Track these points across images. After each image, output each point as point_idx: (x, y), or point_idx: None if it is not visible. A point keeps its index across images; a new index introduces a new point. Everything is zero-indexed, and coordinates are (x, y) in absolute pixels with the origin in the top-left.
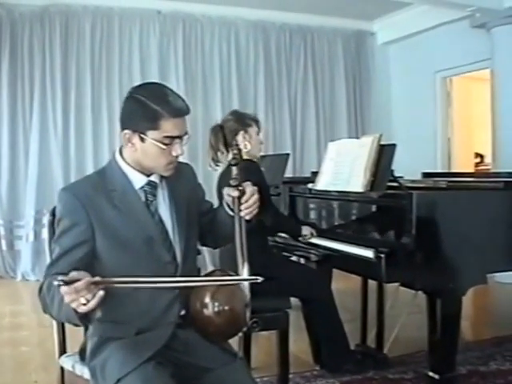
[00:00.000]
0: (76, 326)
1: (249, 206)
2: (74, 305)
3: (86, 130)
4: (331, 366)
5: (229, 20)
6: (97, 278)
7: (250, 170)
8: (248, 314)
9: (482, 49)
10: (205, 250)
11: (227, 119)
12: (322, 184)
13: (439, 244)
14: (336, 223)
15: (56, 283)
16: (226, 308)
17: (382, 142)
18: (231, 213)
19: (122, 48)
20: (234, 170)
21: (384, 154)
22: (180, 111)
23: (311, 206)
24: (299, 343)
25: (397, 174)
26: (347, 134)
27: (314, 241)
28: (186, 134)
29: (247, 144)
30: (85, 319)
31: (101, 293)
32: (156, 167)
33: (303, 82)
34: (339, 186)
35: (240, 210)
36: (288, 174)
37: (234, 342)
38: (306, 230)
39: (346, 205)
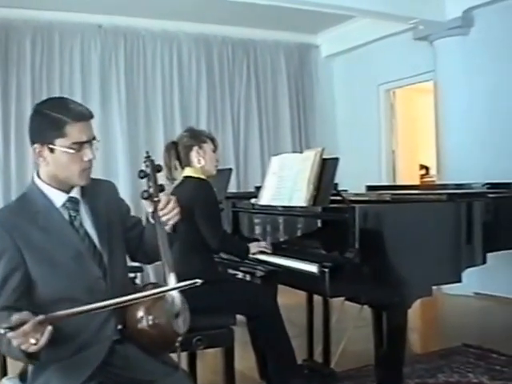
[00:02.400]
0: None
1: (166, 214)
2: (23, 347)
3: (27, 147)
4: (278, 382)
5: (171, 34)
6: (41, 317)
7: (199, 188)
8: (180, 324)
9: (425, 61)
10: (149, 266)
11: (182, 136)
12: (265, 199)
13: (383, 258)
14: (281, 238)
15: (2, 331)
16: (157, 321)
17: (325, 156)
18: (152, 222)
19: (63, 63)
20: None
21: (327, 167)
22: (82, 115)
23: (255, 221)
24: (245, 360)
25: (341, 187)
26: (291, 148)
27: (260, 257)
28: (94, 138)
29: (201, 159)
30: (33, 357)
31: (49, 328)
32: (70, 176)
33: (246, 96)
34: (282, 201)
35: (160, 220)
36: (231, 189)
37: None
38: (253, 248)
39: (289, 220)
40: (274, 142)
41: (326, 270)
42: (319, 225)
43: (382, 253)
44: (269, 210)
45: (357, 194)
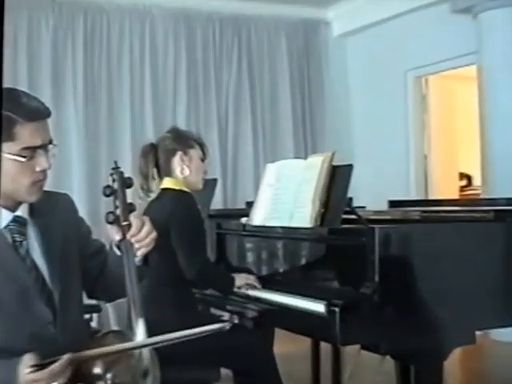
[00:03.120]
0: None
1: (137, 242)
2: None
3: None
4: None
5: (142, 8)
6: (71, 356)
7: (178, 201)
8: None
9: (467, 40)
10: (108, 305)
11: (164, 137)
12: (258, 218)
13: (411, 293)
14: (279, 268)
15: (27, 371)
16: (119, 381)
17: (336, 163)
18: (119, 252)
19: (6, 44)
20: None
21: (338, 177)
22: (37, 113)
23: (246, 246)
24: None
25: (357, 203)
26: (293, 153)
27: (251, 293)
28: (50, 142)
29: (185, 169)
30: None
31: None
32: (18, 190)
33: (236, 85)
34: (281, 221)
35: (129, 250)
36: (216, 205)
37: None
38: (240, 280)
39: (290, 245)
40: (271, 144)
41: (337, 309)
42: (328, 251)
43: (409, 287)
44: (264, 233)
45: (377, 212)
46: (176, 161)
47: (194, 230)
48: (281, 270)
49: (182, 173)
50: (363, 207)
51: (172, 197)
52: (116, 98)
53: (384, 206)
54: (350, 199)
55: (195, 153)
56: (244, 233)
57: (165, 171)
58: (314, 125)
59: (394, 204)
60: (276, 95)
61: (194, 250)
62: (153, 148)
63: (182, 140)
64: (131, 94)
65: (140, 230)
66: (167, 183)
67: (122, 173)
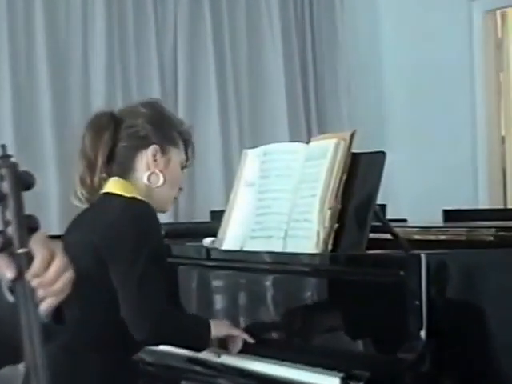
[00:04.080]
0: None
1: (43, 286)
2: None
3: None
4: None
5: None
6: None
7: (126, 214)
8: None
9: None
10: None
11: (135, 112)
12: (233, 239)
13: (481, 359)
14: (266, 322)
15: None
16: None
17: (357, 149)
18: (11, 298)
19: None
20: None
21: (361, 173)
22: None
23: (213, 285)
24: None
25: (394, 214)
26: (288, 136)
27: (227, 360)
28: None
29: (157, 175)
30: None
31: None
32: None
33: (190, 32)
34: (269, 243)
35: (29, 296)
36: (161, 217)
37: None
38: (221, 328)
39: (283, 283)
40: (250, 123)
41: None
42: (345, 293)
43: (478, 348)
44: (242, 263)
45: (425, 229)
46: (144, 158)
47: (150, 261)
48: (271, 324)
49: (150, 180)
50: (403, 221)
51: (117, 208)
52: None
53: (436, 219)
54: (382, 208)
55: (176, 154)
56: (209, 263)
57: (119, 168)
58: (321, 93)
59: (451, 216)
60: (259, 44)
61: (149, 294)
62: (112, 122)
63: (164, 127)
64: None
65: (47, 268)
66: (113, 186)
67: (14, 165)
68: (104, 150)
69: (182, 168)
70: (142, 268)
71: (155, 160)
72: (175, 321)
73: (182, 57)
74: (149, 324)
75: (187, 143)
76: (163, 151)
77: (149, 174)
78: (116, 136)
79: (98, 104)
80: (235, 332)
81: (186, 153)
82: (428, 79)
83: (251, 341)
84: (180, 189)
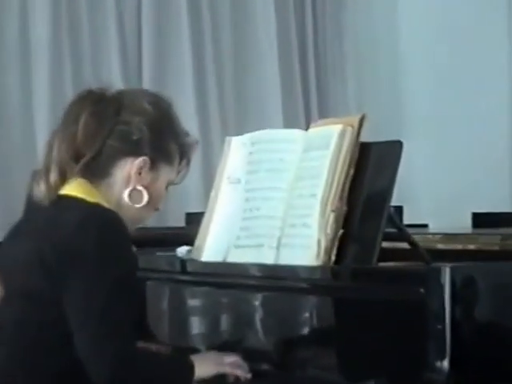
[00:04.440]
0: None
1: None
2: None
3: None
4: None
5: None
6: None
7: (88, 223)
8: None
9: None
10: None
11: (135, 105)
12: (213, 249)
13: None
14: (255, 350)
15: None
16: None
17: (368, 139)
18: None
19: None
20: None
21: (372, 167)
22: None
23: (189, 304)
24: None
25: (412, 218)
26: (283, 120)
27: None
28: None
29: (143, 193)
30: None
31: None
32: None
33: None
34: (259, 254)
35: None
36: None
37: None
38: (207, 365)
39: (277, 302)
40: (235, 103)
41: None
42: (351, 314)
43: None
44: (225, 278)
45: (450, 236)
46: (127, 167)
47: (117, 286)
48: (261, 354)
49: (131, 197)
50: (423, 226)
51: (77, 215)
52: None
53: (464, 225)
54: (398, 210)
55: (167, 172)
56: (184, 277)
57: (94, 168)
58: (324, 68)
59: (482, 220)
60: (246, 7)
61: (113, 331)
62: (115, 110)
63: (163, 136)
64: None
65: None
66: (76, 188)
67: None
68: (99, 142)
69: (167, 186)
70: (106, 296)
71: (140, 173)
72: (146, 365)
73: (146, 20)
74: (110, 371)
75: (182, 156)
76: (153, 166)
77: (131, 190)
78: (85, 132)
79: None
80: (226, 369)
81: (179, 169)
82: (457, 53)
83: (248, 376)
84: (156, 209)
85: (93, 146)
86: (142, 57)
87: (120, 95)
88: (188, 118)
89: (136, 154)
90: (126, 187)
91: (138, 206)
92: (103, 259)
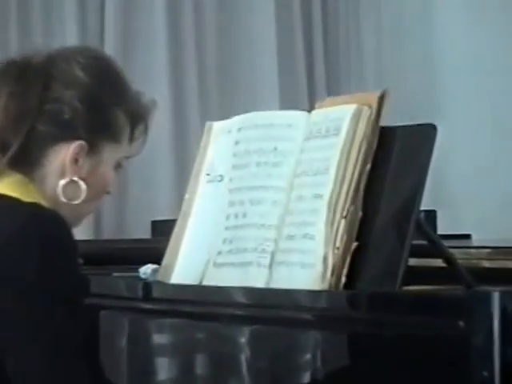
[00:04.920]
0: None
1: None
2: None
3: None
4: None
5: None
6: None
7: (40, 238)
8: None
9: None
10: None
11: (66, 72)
12: (185, 268)
13: None
14: None
15: None
16: None
17: (389, 122)
18: None
19: None
20: None
21: (396, 159)
22: None
23: (154, 341)
24: None
25: (448, 226)
26: (279, 99)
27: None
28: None
29: (80, 186)
30: None
31: None
32: None
33: None
34: (247, 275)
35: None
36: (79, 232)
37: None
38: None
39: (267, 337)
40: (218, 77)
41: None
42: (369, 354)
43: None
44: (201, 306)
45: (499, 251)
46: (61, 155)
47: (66, 314)
48: None
49: (66, 192)
50: (465, 237)
51: (9, 219)
52: None
53: None
54: (430, 216)
55: (113, 152)
56: (149, 306)
57: (18, 160)
58: (334, 33)
59: None
60: None
61: (64, 374)
62: (43, 82)
63: (104, 109)
64: None
65: None
66: (5, 185)
67: None
68: (25, 128)
69: (118, 167)
70: (53, 328)
71: (76, 162)
72: None
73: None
74: None
75: (136, 125)
76: (92, 150)
77: (65, 184)
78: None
79: None
80: None
81: (130, 148)
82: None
83: None
84: (107, 193)
85: (18, 132)
86: (105, 28)
87: (49, 63)
88: (158, 100)
89: (70, 137)
90: (61, 179)
91: (75, 202)
92: (45, 280)
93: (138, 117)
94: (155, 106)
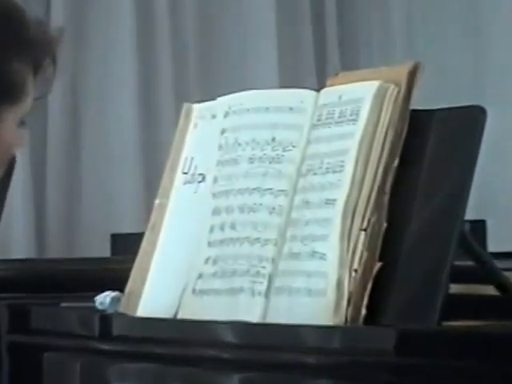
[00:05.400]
0: None
1: None
2: None
3: None
4: None
5: None
6: None
7: None
8: None
9: None
10: None
11: None
12: (156, 296)
13: None
14: None
15: None
16: None
17: (420, 105)
18: None
19: None
20: None
21: (432, 151)
22: None
23: None
24: None
25: (502, 241)
26: (278, 76)
27: None
28: None
29: None
30: None
31: None
32: None
33: None
34: (231, 304)
35: None
36: (17, 250)
37: None
38: None
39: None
40: (201, 48)
41: None
42: None
43: None
44: (176, 347)
45: None
46: None
47: None
48: None
49: None
50: None
51: None
52: None
53: None
54: (477, 228)
55: (14, 112)
56: (107, 346)
57: None
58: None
59: None
60: None
61: None
62: None
63: None
64: None
65: None
66: None
67: None
68: None
69: (22, 124)
70: None
71: None
72: None
73: None
74: None
75: (38, 68)
76: None
77: None
78: None
79: None
80: None
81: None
82: None
83: None
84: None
85: None
86: None
87: None
88: (124, 77)
89: None
90: None
91: None
92: None
93: (42, 57)
94: (62, 35)
